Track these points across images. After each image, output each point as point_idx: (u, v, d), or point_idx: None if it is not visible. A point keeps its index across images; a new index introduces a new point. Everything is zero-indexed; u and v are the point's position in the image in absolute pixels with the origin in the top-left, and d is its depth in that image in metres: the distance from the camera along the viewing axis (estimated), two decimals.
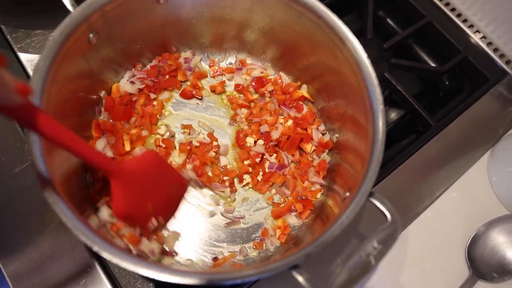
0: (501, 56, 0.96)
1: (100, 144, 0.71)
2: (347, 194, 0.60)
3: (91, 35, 0.64)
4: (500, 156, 0.83)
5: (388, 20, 1.03)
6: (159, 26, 0.75)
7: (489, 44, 0.97)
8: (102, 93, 0.75)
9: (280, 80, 0.82)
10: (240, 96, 0.82)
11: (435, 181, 0.80)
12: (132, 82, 0.77)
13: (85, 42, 0.63)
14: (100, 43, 0.66)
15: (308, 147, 0.77)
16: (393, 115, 0.91)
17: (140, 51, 0.78)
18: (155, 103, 0.78)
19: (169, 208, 0.70)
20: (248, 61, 0.85)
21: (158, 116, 0.78)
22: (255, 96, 0.82)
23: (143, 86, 0.78)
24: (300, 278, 0.48)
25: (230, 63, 0.85)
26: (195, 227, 0.71)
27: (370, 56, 0.89)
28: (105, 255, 0.48)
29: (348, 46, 0.65)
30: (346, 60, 0.66)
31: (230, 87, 0.84)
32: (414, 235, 0.75)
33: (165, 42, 0.80)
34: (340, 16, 0.92)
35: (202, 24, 0.78)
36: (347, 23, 0.90)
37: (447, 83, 0.97)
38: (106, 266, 0.68)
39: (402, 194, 0.78)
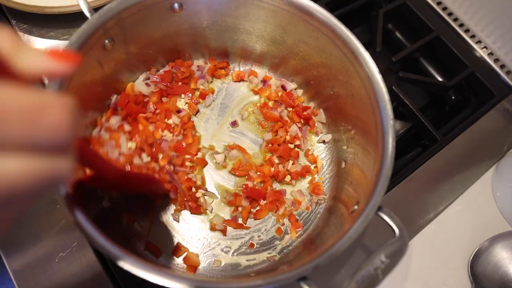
0: (508, 72, 0.97)
1: (115, 120, 0.73)
2: (355, 207, 0.61)
3: (106, 41, 0.65)
4: (505, 172, 0.83)
5: (397, 33, 1.05)
6: (173, 34, 0.76)
7: (496, 60, 0.98)
8: (114, 98, 0.75)
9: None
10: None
11: (440, 195, 0.81)
12: (147, 84, 0.78)
13: (100, 48, 0.65)
14: (114, 49, 0.67)
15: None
16: (399, 127, 0.91)
17: (154, 57, 0.79)
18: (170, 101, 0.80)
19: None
20: (257, 69, 0.86)
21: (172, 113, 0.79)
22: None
23: (157, 90, 0.78)
24: None
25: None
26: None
27: (379, 69, 0.90)
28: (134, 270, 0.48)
29: (360, 61, 0.66)
30: (357, 74, 0.67)
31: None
32: (418, 248, 0.75)
33: (178, 49, 0.81)
34: (350, 28, 0.93)
35: (215, 33, 0.79)
36: (356, 35, 0.92)
37: (453, 97, 0.98)
38: (110, 268, 0.68)
39: (407, 207, 0.79)
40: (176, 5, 0.70)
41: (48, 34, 0.85)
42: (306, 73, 0.81)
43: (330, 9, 0.95)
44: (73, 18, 0.80)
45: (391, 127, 0.60)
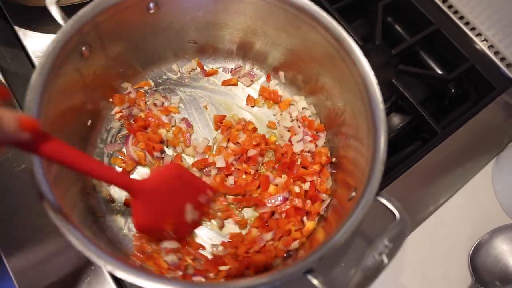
0: (508, 65, 0.96)
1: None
2: (353, 194, 0.61)
3: (83, 48, 0.63)
4: (505, 165, 0.83)
5: (397, 26, 1.04)
6: (152, 34, 0.75)
7: (496, 53, 0.98)
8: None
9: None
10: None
11: (440, 188, 0.81)
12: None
13: (78, 56, 0.63)
14: (93, 55, 0.66)
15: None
16: (399, 121, 0.91)
17: (133, 61, 0.78)
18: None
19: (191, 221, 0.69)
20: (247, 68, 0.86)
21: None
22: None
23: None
24: (315, 281, 0.49)
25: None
26: None
27: (378, 62, 0.90)
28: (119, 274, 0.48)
29: (344, 46, 0.65)
30: (342, 60, 0.66)
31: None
32: (418, 241, 0.75)
33: (159, 50, 0.80)
34: (349, 21, 0.93)
35: (195, 30, 0.78)
36: (355, 28, 0.92)
37: (453, 90, 0.97)
38: None
39: (407, 200, 0.78)
40: (151, 5, 0.69)
41: (45, 28, 0.85)
42: (291, 63, 0.80)
43: (329, 2, 0.94)
44: (69, 11, 0.79)
45: (381, 111, 0.60)
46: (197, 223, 0.70)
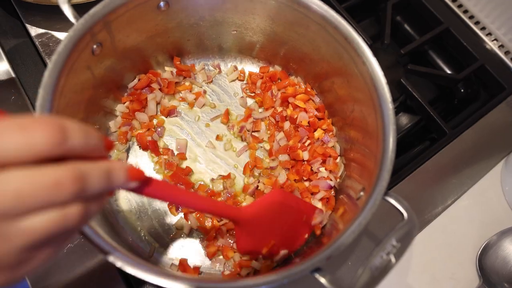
0: None
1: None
2: (361, 193, 0.61)
3: (94, 46, 0.63)
4: None
5: (406, 25, 1.03)
6: (161, 33, 0.75)
7: (507, 52, 0.97)
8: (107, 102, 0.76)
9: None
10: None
11: (448, 189, 0.81)
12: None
13: (89, 54, 0.63)
14: (103, 53, 0.66)
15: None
16: (408, 121, 0.91)
17: (144, 59, 0.79)
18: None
19: (292, 238, 0.69)
20: (251, 63, 0.87)
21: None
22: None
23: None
24: (323, 280, 0.49)
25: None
26: None
27: (387, 61, 0.90)
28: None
29: (354, 46, 0.65)
30: (352, 60, 0.66)
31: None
32: (426, 241, 0.75)
33: (169, 49, 0.81)
34: (358, 20, 0.93)
35: (204, 28, 0.79)
36: (364, 28, 0.92)
37: (462, 90, 0.97)
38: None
39: (415, 200, 0.78)
40: (162, 4, 0.69)
41: (55, 26, 0.85)
42: (300, 62, 0.80)
43: (338, 1, 0.94)
44: (80, 10, 0.80)
45: (390, 111, 0.59)
46: (299, 237, 0.70)
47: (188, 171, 0.75)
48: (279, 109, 0.81)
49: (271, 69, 0.86)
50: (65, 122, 0.32)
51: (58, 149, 0.31)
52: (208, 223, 0.71)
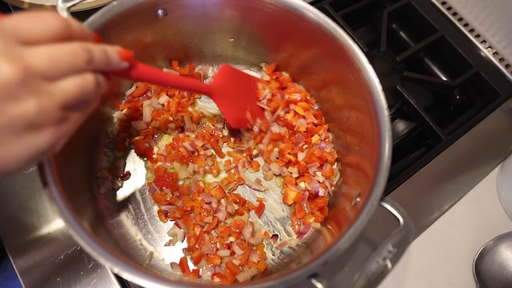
0: None
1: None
2: (358, 199, 0.61)
3: None
4: (510, 172, 0.83)
5: (401, 33, 1.05)
6: (160, 41, 0.76)
7: (501, 59, 0.98)
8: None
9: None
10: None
11: (444, 194, 0.81)
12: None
13: None
14: None
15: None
16: (404, 127, 0.91)
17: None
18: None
19: (256, 106, 0.81)
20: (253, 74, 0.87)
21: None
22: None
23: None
24: (319, 286, 0.49)
25: None
26: None
27: (382, 69, 0.91)
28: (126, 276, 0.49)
29: (349, 54, 0.66)
30: (347, 67, 0.67)
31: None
32: (422, 247, 0.75)
33: (168, 57, 0.82)
34: (354, 28, 0.94)
35: (202, 36, 0.80)
36: (360, 35, 0.93)
37: (457, 97, 0.97)
38: None
39: (411, 206, 0.79)
40: (160, 12, 0.70)
41: None
42: (296, 69, 0.81)
43: (334, 9, 0.95)
44: (79, 18, 0.80)
45: (386, 118, 0.60)
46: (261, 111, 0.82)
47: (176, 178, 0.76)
48: (281, 113, 0.81)
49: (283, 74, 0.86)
50: (65, 17, 0.42)
51: (66, 31, 0.41)
52: (192, 231, 0.71)
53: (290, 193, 0.75)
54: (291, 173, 0.77)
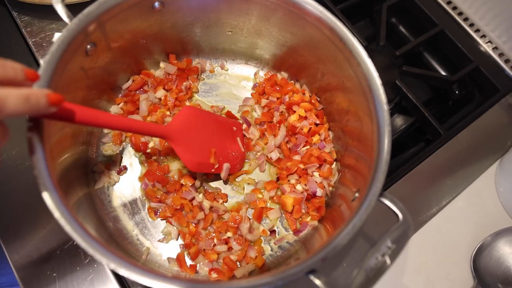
0: None
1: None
2: (356, 195, 0.61)
3: (88, 46, 0.63)
4: (508, 167, 0.83)
5: (401, 27, 1.04)
6: (156, 33, 0.75)
7: (500, 54, 0.98)
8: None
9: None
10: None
11: (443, 190, 0.81)
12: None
13: (83, 54, 0.63)
14: (97, 53, 0.66)
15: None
16: (402, 122, 0.91)
17: (139, 60, 0.79)
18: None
19: (231, 151, 0.77)
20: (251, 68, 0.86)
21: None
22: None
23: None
24: (318, 282, 0.49)
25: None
26: None
27: (382, 63, 0.90)
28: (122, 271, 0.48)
29: (349, 48, 0.65)
30: (347, 62, 0.66)
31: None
32: (421, 242, 0.75)
33: (164, 50, 0.81)
34: (353, 22, 0.93)
35: (199, 29, 0.79)
36: (359, 29, 0.92)
37: (457, 92, 0.97)
38: None
39: (409, 201, 0.78)
40: (157, 4, 0.69)
41: (49, 26, 0.85)
42: (296, 64, 0.80)
43: (333, 2, 0.94)
44: (74, 10, 0.80)
45: (385, 112, 0.59)
46: (238, 149, 0.78)
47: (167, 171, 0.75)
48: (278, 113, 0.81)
49: (278, 76, 0.85)
50: None
51: None
52: (185, 228, 0.71)
53: (287, 200, 0.73)
54: (289, 180, 0.76)
